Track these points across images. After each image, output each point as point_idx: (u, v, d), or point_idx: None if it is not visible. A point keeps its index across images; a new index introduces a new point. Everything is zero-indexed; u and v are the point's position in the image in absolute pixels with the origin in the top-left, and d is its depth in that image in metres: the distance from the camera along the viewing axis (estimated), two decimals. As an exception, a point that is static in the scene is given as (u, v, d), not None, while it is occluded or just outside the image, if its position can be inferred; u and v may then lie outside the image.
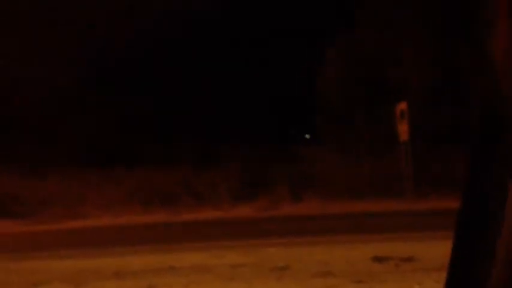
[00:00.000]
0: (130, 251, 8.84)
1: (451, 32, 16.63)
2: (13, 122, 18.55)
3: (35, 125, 18.56)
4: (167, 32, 18.10)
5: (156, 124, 20.00)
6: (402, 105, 15.65)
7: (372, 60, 18.11)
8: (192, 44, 19.65)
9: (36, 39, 17.65)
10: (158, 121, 19.99)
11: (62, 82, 17.91)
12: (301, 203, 15.48)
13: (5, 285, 6.75)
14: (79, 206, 15.94)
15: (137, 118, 19.51)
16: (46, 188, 16.83)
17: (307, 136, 23.51)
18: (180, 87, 19.58)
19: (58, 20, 17.68)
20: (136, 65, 18.99)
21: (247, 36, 19.05)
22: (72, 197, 16.38)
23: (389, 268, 6.06)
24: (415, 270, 5.79)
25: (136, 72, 19.28)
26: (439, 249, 4.90)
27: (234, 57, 19.30)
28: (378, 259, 6.44)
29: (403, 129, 15.61)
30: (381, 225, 10.29)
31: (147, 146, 18.99)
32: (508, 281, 0.83)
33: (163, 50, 19.21)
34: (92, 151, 18.29)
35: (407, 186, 15.50)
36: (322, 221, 12.21)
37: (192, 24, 18.97)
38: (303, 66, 19.42)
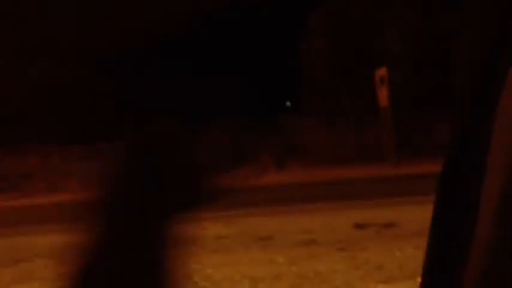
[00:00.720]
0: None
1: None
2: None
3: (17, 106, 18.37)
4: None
5: (136, 96, 19.85)
6: (382, 71, 15.65)
7: (355, 30, 18.05)
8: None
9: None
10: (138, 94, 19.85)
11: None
12: (285, 172, 15.53)
13: (-13, 263, 6.71)
14: (61, 180, 15.87)
15: (120, 91, 19.37)
16: (27, 163, 16.73)
17: (288, 103, 23.48)
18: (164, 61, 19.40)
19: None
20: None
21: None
22: (53, 171, 16.29)
23: (370, 235, 6.12)
24: (395, 236, 5.85)
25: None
26: (419, 215, 4.93)
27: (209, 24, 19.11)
28: (360, 226, 6.50)
29: (383, 95, 15.64)
30: (363, 192, 10.36)
31: (129, 119, 18.86)
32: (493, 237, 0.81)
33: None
34: (73, 128, 18.14)
35: (388, 152, 15.59)
36: (305, 189, 12.27)
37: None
38: (285, 36, 19.29)
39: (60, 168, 16.53)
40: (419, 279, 0.98)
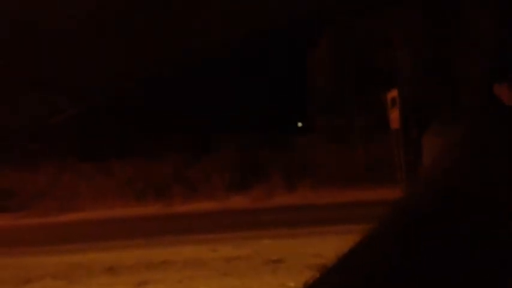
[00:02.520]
0: (123, 245, 8.81)
1: (442, 15, 16.60)
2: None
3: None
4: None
5: (148, 115, 19.92)
6: (393, 93, 15.61)
7: (365, 49, 18.07)
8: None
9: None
10: (150, 112, 19.91)
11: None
12: (295, 193, 15.46)
13: (-2, 283, 6.72)
14: (72, 199, 15.89)
15: (129, 110, 19.46)
16: (38, 181, 16.77)
17: (300, 124, 23.50)
18: (172, 79, 19.51)
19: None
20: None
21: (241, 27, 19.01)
22: (64, 189, 16.31)
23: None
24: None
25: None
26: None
27: (226, 47, 19.22)
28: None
29: (394, 117, 15.58)
30: (373, 215, 10.29)
31: (139, 137, 18.92)
32: None
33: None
34: (84, 144, 18.22)
35: (399, 174, 15.50)
36: (315, 211, 12.21)
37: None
38: (295, 56, 19.36)
39: (71, 187, 16.55)
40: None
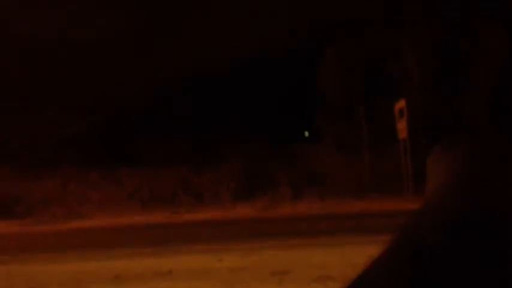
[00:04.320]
0: (129, 253, 8.81)
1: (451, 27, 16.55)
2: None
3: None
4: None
5: (156, 124, 19.99)
6: (401, 104, 15.61)
7: (373, 58, 18.07)
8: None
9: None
10: (158, 121, 19.98)
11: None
12: (301, 202, 15.45)
13: (4, 290, 6.73)
14: (79, 206, 15.93)
15: (138, 119, 19.56)
16: (45, 188, 16.83)
17: (306, 134, 23.49)
18: (180, 87, 19.60)
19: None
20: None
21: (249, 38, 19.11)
22: (71, 197, 16.37)
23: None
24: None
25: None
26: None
27: (234, 58, 19.30)
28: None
29: (402, 127, 15.57)
30: (381, 226, 10.27)
31: (147, 146, 18.97)
32: None
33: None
34: (92, 151, 18.28)
35: (407, 185, 15.47)
36: (321, 222, 12.18)
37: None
38: (303, 65, 19.40)
39: (78, 194, 16.61)
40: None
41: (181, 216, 14.60)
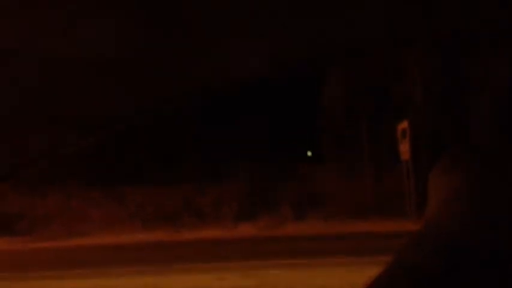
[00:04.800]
0: (130, 272, 8.78)
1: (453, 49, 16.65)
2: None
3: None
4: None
5: (159, 144, 20.02)
6: (403, 125, 15.62)
7: (376, 78, 18.13)
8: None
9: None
10: (161, 140, 20.02)
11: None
12: (304, 222, 15.40)
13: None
14: (80, 224, 15.90)
15: (141, 138, 19.62)
16: (47, 205, 16.82)
17: (309, 153, 23.49)
18: (184, 108, 19.68)
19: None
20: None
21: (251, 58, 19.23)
22: (73, 215, 16.35)
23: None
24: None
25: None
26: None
27: (238, 80, 19.40)
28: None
29: (404, 149, 15.57)
30: (382, 247, 10.22)
31: (150, 165, 18.99)
32: None
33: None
34: (94, 170, 18.30)
35: (410, 206, 15.42)
36: (324, 242, 12.14)
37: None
38: (307, 84, 19.47)
39: (80, 212, 16.59)
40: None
41: (183, 235, 14.55)
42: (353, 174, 18.01)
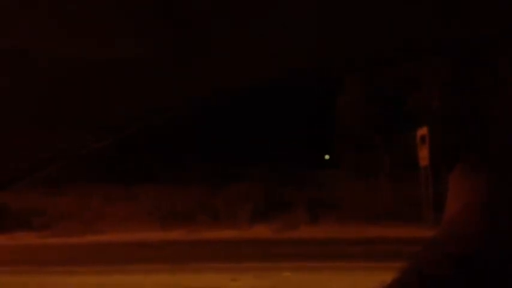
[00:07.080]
0: (145, 269, 8.84)
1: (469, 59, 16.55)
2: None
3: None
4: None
5: (176, 144, 20.10)
6: (423, 131, 15.57)
7: (393, 86, 18.06)
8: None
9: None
10: (178, 141, 20.10)
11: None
12: (318, 226, 15.38)
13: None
14: (97, 221, 16.03)
15: (158, 138, 19.72)
16: (64, 202, 16.99)
17: (327, 157, 23.44)
18: (200, 110, 19.72)
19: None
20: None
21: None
22: (90, 212, 16.49)
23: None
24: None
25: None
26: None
27: (254, 83, 19.39)
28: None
29: (423, 155, 15.50)
30: (396, 253, 10.17)
31: (167, 165, 19.08)
32: None
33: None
34: (111, 169, 18.41)
35: (427, 213, 15.34)
36: (339, 246, 12.10)
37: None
38: (323, 91, 19.44)
39: (96, 209, 16.73)
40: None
41: (198, 235, 14.61)
42: (369, 179, 17.96)
